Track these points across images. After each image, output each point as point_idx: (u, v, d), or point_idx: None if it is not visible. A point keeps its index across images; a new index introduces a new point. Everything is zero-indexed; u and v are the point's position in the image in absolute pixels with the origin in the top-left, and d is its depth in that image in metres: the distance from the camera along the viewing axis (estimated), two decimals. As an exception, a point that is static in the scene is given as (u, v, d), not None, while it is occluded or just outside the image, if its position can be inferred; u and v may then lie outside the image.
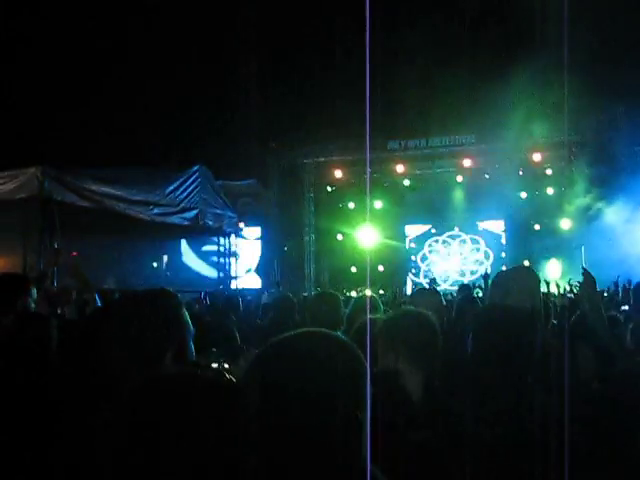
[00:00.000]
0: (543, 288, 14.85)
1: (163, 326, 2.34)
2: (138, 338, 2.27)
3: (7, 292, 4.43)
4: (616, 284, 11.84)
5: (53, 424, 3.15)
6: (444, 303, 5.67)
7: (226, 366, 2.09)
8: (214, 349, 2.58)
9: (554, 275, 18.67)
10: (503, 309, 3.34)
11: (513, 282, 3.69)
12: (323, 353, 1.64)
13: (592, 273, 4.41)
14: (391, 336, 3.00)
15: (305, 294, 14.03)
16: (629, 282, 11.10)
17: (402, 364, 2.86)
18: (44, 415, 3.34)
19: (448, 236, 23.91)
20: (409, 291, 20.82)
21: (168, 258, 19.94)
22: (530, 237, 21.34)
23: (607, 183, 19.20)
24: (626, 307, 8.12)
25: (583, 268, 4.40)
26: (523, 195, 21.76)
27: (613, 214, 18.97)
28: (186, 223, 13.36)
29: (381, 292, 13.85)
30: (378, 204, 22.92)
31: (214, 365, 2.11)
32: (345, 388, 1.61)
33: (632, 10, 17.50)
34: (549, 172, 20.72)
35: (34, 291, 4.67)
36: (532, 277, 3.74)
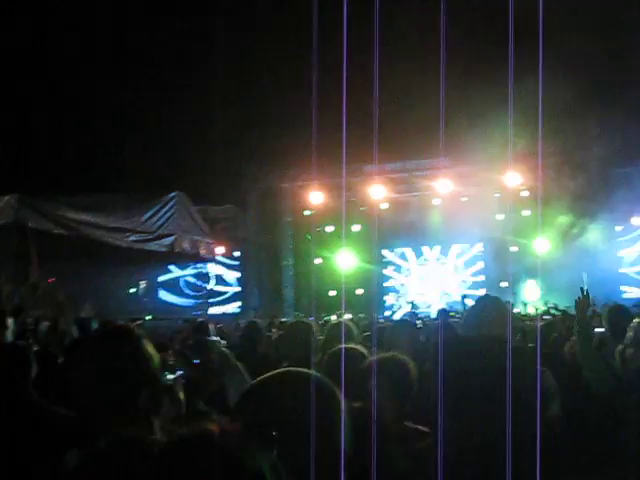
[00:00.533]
0: (520, 309, 14.98)
1: (131, 363, 2.29)
2: (109, 376, 2.24)
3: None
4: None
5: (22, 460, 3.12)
6: (420, 338, 5.70)
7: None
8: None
9: (532, 297, 18.82)
10: (478, 340, 3.40)
11: (484, 314, 3.72)
12: (298, 395, 1.67)
13: (576, 295, 4.55)
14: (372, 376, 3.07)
15: (283, 319, 14.02)
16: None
17: (379, 397, 2.91)
18: (15, 449, 3.31)
19: (426, 259, 24.00)
20: (387, 312, 20.92)
21: (146, 284, 19.86)
22: (507, 259, 21.48)
23: (583, 205, 19.42)
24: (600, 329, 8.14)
25: (581, 289, 4.54)
26: (500, 217, 21.92)
27: (589, 235, 19.19)
28: (163, 250, 13.30)
29: (361, 315, 13.83)
30: (356, 227, 22.99)
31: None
32: (322, 426, 1.63)
33: (607, 31, 17.84)
34: (525, 194, 20.86)
35: (11, 322, 4.62)
36: (501, 307, 3.78)
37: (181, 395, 3.38)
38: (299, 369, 1.82)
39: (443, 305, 19.23)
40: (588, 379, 4.41)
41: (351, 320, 8.30)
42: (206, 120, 19.47)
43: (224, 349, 3.60)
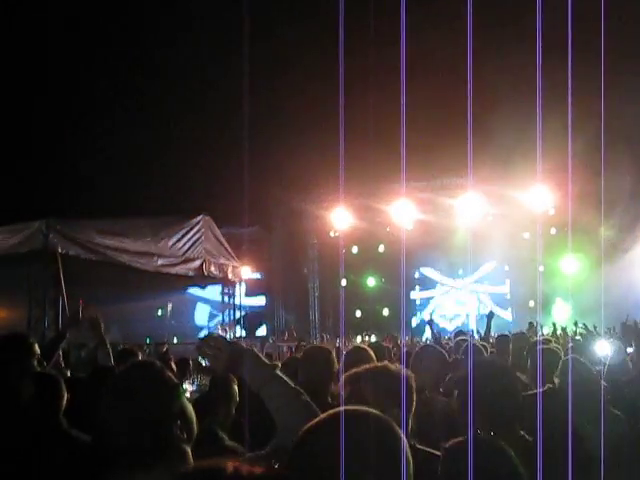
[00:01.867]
0: (549, 330, 14.78)
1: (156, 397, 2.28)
2: (134, 412, 2.22)
3: (10, 352, 4.41)
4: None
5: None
6: (448, 358, 5.62)
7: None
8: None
9: (561, 317, 18.59)
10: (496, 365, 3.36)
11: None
12: (361, 436, 1.63)
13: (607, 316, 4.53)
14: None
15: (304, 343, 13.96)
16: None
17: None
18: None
19: (453, 278, 23.90)
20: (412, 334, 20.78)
21: (173, 307, 19.92)
22: (534, 278, 21.30)
23: (613, 227, 19.23)
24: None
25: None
26: (526, 236, 21.78)
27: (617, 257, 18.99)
28: (191, 274, 13.37)
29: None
30: (381, 248, 22.94)
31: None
32: (384, 467, 1.61)
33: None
34: (552, 212, 20.66)
35: (36, 348, 4.64)
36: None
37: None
38: (356, 408, 1.78)
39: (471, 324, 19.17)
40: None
41: (372, 344, 8.22)
42: (232, 142, 19.60)
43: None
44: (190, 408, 2.33)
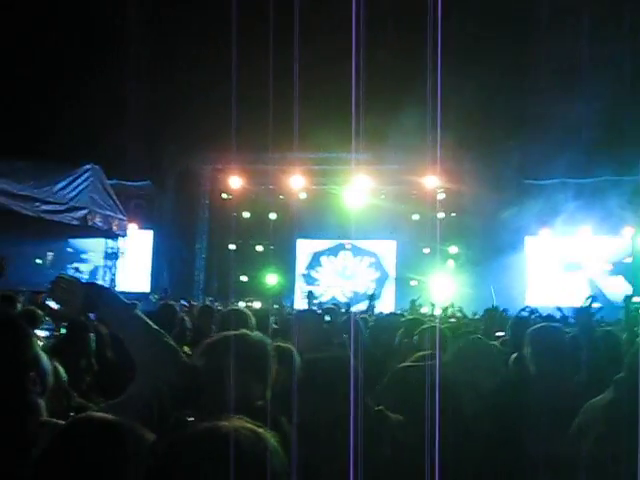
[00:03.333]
0: (428, 309, 15.23)
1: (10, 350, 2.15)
2: None
3: None
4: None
5: None
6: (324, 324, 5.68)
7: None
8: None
9: (441, 298, 19.14)
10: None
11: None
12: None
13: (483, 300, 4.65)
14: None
15: (194, 302, 13.84)
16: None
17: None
18: None
19: (339, 252, 24.17)
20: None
21: (53, 256, 19.31)
22: (419, 259, 21.88)
23: (495, 213, 19.93)
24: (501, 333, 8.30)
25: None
26: (415, 217, 22.26)
27: (499, 243, 19.69)
28: (74, 222, 12.90)
29: (276, 307, 13.71)
30: (273, 216, 22.94)
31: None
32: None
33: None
34: (441, 197, 21.21)
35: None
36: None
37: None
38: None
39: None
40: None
41: (251, 307, 8.25)
42: (130, 94, 19.06)
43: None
44: (45, 358, 2.22)
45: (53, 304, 2.46)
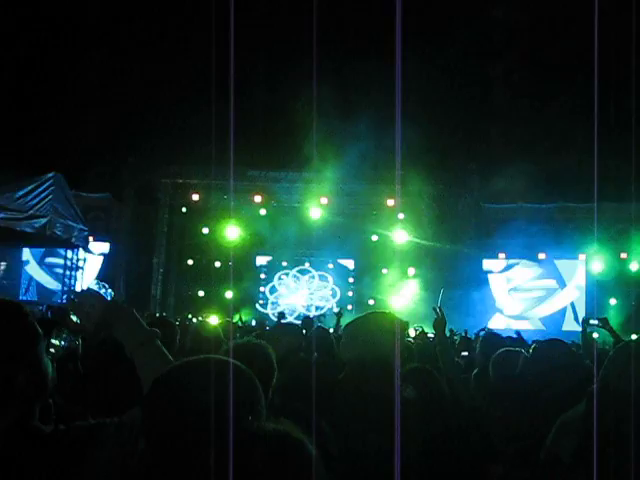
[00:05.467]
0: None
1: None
2: None
3: None
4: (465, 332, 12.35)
5: None
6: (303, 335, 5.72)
7: None
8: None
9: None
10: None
11: (358, 332, 3.56)
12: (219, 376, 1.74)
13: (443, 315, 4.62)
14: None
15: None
16: (471, 331, 11.80)
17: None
18: None
19: (298, 270, 24.17)
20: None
21: (7, 266, 18.96)
22: (378, 279, 22.00)
23: (453, 235, 20.19)
24: (465, 353, 8.43)
25: (437, 307, 4.59)
26: (374, 238, 22.39)
27: (458, 268, 19.91)
28: (33, 231, 12.67)
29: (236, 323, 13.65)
30: (232, 232, 22.86)
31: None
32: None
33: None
34: (401, 216, 21.37)
35: None
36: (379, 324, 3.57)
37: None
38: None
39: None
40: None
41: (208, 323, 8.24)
42: (92, 106, 18.93)
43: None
44: (47, 363, 2.17)
45: (74, 318, 2.42)
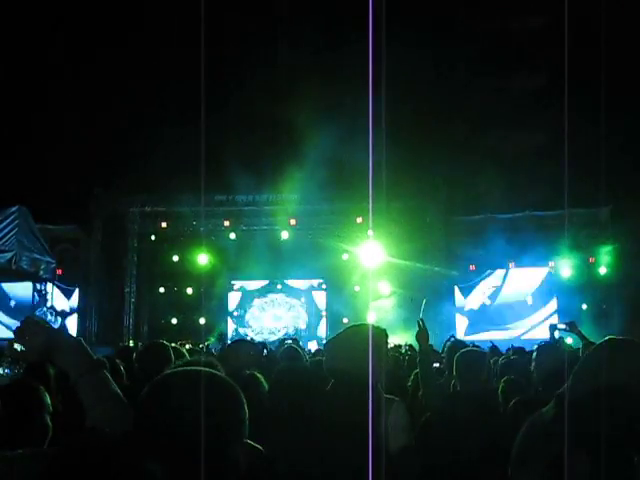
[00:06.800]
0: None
1: None
2: None
3: None
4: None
5: None
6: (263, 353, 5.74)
7: None
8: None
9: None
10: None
11: (342, 348, 3.61)
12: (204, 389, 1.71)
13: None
14: None
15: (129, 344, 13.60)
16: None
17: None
18: None
19: (270, 292, 24.12)
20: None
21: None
22: (349, 297, 22.02)
23: (424, 249, 20.28)
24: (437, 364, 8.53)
25: (420, 320, 4.67)
26: (345, 257, 22.41)
27: (428, 279, 19.97)
28: (-1, 266, 12.52)
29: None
30: (203, 259, 22.74)
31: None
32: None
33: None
34: (370, 233, 21.38)
35: None
36: (364, 338, 3.63)
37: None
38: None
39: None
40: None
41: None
42: (57, 137, 18.79)
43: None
44: None
45: (18, 346, 2.37)
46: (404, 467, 3.22)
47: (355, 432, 2.89)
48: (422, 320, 4.69)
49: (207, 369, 1.84)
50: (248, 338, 21.33)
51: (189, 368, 1.88)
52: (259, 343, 7.22)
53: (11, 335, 2.34)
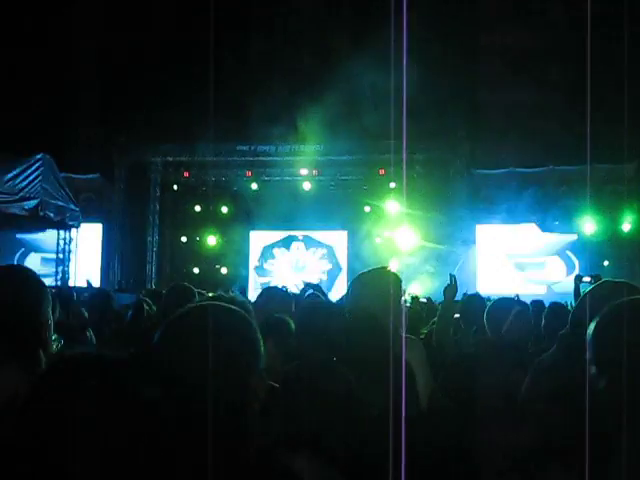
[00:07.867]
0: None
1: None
2: None
3: None
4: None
5: None
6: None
7: None
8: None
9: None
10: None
11: (365, 286, 3.69)
12: (223, 322, 1.75)
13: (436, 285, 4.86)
14: None
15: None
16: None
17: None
18: None
19: (291, 243, 24.18)
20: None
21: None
22: (371, 249, 22.00)
23: (445, 202, 20.20)
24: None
25: (452, 275, 4.81)
26: (367, 209, 22.39)
27: (451, 233, 19.94)
28: (25, 213, 12.63)
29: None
30: (224, 209, 22.83)
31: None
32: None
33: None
34: (392, 185, 21.34)
35: None
36: (386, 279, 3.69)
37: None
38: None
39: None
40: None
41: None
42: (80, 86, 18.78)
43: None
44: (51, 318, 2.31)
45: None
46: (432, 401, 3.26)
47: (378, 362, 2.93)
48: (454, 276, 4.85)
49: (225, 304, 1.88)
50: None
51: (207, 303, 1.93)
52: (292, 294, 7.27)
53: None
